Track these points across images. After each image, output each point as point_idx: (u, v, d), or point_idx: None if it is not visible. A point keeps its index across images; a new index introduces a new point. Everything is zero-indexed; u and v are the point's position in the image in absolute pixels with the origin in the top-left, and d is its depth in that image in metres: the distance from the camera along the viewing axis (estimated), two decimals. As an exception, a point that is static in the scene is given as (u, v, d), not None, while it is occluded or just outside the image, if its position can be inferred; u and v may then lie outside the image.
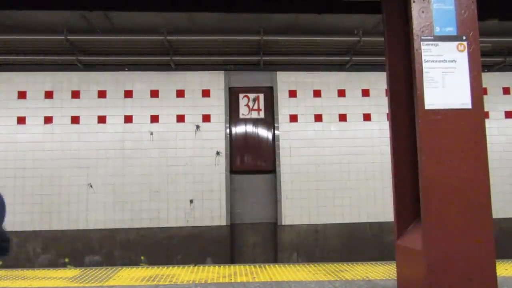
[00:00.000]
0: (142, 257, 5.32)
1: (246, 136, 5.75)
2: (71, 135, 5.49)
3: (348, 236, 5.61)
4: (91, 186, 5.43)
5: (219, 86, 5.73)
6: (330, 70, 5.84)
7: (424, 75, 2.34)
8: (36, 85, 5.55)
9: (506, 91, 6.02)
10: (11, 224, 5.27)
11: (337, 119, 5.79)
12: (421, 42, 2.37)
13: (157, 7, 4.54)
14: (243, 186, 5.68)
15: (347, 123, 5.79)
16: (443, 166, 2.29)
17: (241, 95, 5.79)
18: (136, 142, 5.54)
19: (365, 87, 5.87)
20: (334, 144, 5.72)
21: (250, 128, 5.76)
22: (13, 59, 5.43)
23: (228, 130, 5.68)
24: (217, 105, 5.69)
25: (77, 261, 5.25)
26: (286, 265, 3.57)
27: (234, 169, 5.66)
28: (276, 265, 3.57)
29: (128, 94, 5.63)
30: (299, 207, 5.59)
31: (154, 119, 5.60)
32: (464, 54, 2.38)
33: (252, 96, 5.80)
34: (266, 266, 3.57)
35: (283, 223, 5.55)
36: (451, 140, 2.31)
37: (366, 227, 5.64)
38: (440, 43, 2.38)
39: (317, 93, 5.82)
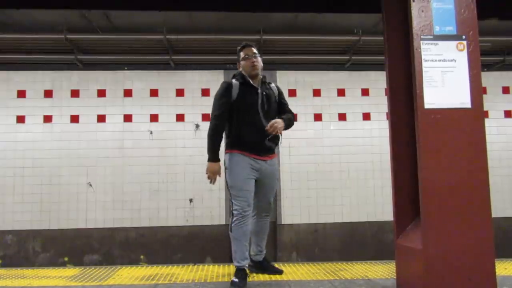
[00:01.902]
0: (142, 256, 5.32)
1: (245, 135, 5.72)
2: (70, 134, 5.48)
3: (348, 235, 5.61)
4: (90, 185, 5.43)
5: (218, 85, 5.70)
6: (329, 69, 5.83)
7: (424, 74, 2.35)
8: (35, 84, 5.54)
9: (505, 90, 6.02)
10: (10, 223, 5.27)
11: (337, 118, 5.79)
12: (421, 41, 2.37)
13: (156, 6, 4.54)
14: (242, 185, 5.66)
15: (346, 122, 5.78)
16: (442, 165, 2.29)
17: (240, 94, 5.77)
18: (136, 141, 5.53)
19: (365, 86, 5.87)
20: (334, 143, 5.72)
21: (249, 127, 5.74)
22: (12, 58, 5.42)
23: (227, 129, 5.66)
24: (216, 104, 5.67)
25: (77, 260, 5.25)
26: (286, 264, 3.58)
27: (233, 168, 5.65)
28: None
29: (128, 93, 5.62)
30: (298, 206, 5.59)
31: (154, 118, 5.60)
32: (464, 53, 2.38)
33: (251, 95, 5.78)
34: (266, 265, 3.56)
35: (282, 222, 5.55)
36: (451, 139, 2.31)
37: (366, 226, 5.64)
38: (439, 42, 2.38)
39: (316, 92, 5.82)
